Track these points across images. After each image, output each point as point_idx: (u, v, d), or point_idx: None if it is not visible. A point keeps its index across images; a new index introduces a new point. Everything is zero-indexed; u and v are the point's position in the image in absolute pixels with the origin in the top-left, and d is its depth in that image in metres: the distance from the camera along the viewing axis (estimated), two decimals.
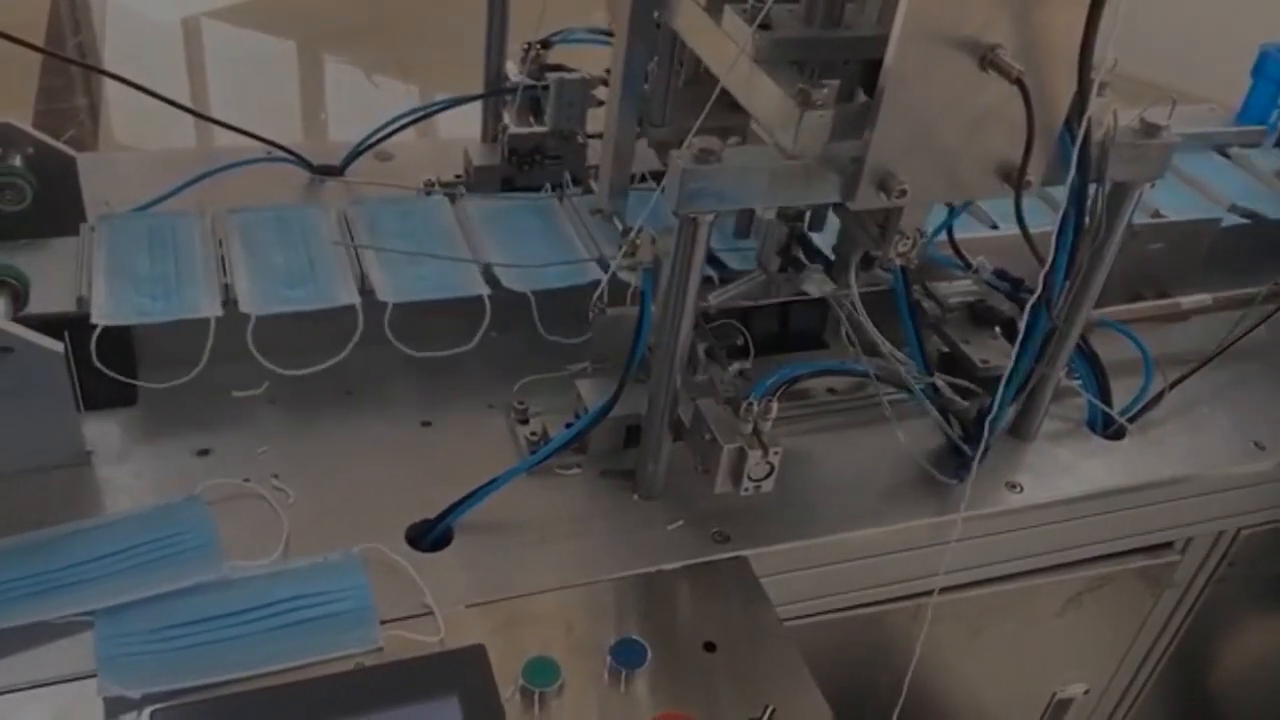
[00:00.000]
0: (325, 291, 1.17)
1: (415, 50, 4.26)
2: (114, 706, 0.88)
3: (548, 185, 1.39)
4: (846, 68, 1.02)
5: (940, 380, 1.18)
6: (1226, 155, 1.72)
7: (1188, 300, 1.43)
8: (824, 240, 1.23)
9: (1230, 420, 1.34)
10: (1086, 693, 1.49)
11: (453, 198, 1.36)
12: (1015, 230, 0.99)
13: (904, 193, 0.94)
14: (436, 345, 1.17)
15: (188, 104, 1.50)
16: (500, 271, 1.22)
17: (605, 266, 1.23)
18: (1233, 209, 1.56)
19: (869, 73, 0.98)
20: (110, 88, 3.69)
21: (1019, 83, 0.89)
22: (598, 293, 1.16)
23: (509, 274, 1.22)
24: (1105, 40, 0.92)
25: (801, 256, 1.19)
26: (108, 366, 1.08)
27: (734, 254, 1.28)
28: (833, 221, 1.23)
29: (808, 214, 1.19)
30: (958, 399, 1.20)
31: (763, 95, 0.96)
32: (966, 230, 1.35)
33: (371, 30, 4.43)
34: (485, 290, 1.19)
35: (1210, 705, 1.67)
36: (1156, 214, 1.50)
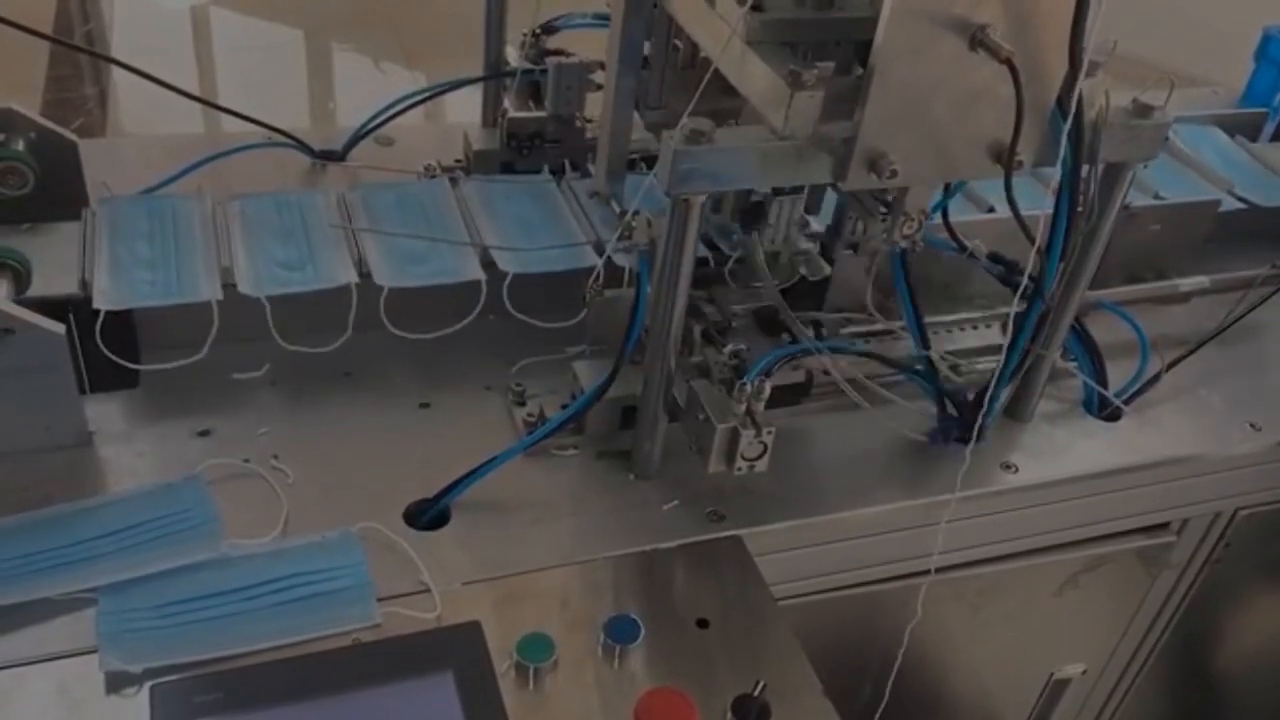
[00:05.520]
0: (324, 273, 1.18)
1: (421, 38, 4.26)
2: (115, 681, 0.89)
3: (546, 169, 1.40)
4: (839, 49, 1.02)
5: (936, 359, 1.19)
6: (1230, 137, 1.71)
7: (1186, 282, 1.43)
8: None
9: (1226, 402, 1.34)
10: (1084, 673, 1.49)
11: (452, 182, 1.37)
12: (1011, 213, 1.00)
13: (894, 173, 0.94)
14: (435, 328, 1.18)
15: (196, 92, 1.51)
16: (495, 255, 1.22)
17: (601, 250, 1.23)
18: (1232, 192, 1.56)
19: (861, 54, 0.98)
20: (119, 76, 3.70)
21: (1008, 63, 0.89)
22: (594, 275, 1.16)
23: (504, 257, 1.22)
24: (1096, 20, 0.92)
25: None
26: (110, 349, 1.09)
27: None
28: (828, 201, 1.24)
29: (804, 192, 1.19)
30: (954, 377, 1.20)
31: (754, 77, 0.97)
32: (962, 213, 1.35)
33: (377, 18, 4.43)
34: (481, 275, 1.19)
35: (1208, 686, 1.67)
36: (1156, 196, 1.50)
